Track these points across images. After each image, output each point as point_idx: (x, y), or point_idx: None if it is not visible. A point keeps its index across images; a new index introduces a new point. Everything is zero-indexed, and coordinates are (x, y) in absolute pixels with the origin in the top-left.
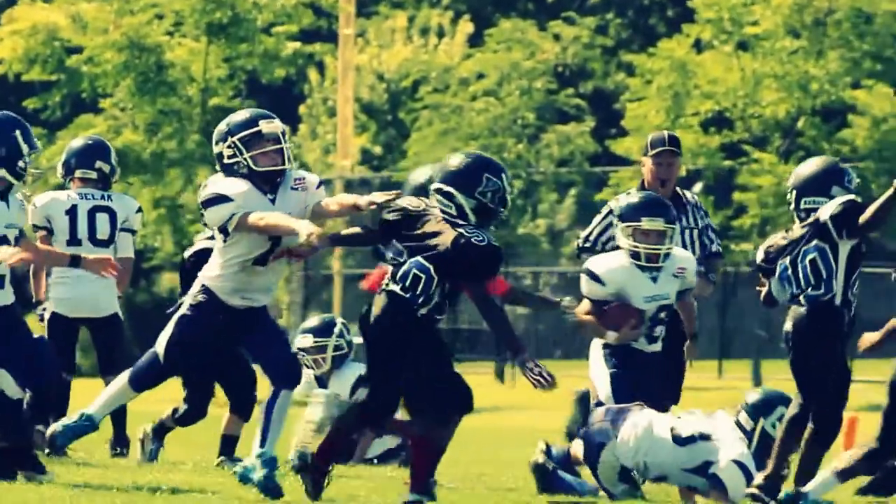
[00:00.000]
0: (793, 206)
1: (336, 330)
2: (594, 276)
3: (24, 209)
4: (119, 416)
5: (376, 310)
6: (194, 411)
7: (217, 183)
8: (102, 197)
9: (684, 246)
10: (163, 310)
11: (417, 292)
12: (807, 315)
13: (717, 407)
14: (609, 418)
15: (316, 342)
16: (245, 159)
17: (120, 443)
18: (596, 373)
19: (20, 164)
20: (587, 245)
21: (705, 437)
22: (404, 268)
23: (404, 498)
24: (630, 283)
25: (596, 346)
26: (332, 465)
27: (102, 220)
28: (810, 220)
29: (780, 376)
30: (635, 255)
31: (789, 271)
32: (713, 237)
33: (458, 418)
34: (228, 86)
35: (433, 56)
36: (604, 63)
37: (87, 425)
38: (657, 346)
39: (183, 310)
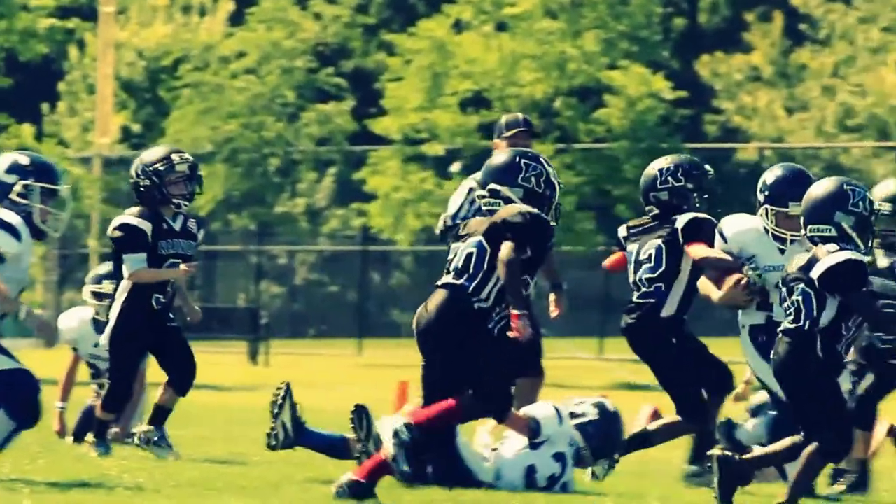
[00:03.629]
0: (802, 231)
1: None
2: (721, 234)
3: None
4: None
5: (434, 304)
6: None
7: None
8: None
9: None
10: None
11: (471, 271)
12: (786, 345)
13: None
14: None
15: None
16: None
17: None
18: (756, 364)
19: None
20: (451, 225)
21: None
22: (458, 254)
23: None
24: (758, 249)
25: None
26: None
27: None
28: (804, 262)
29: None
30: (776, 238)
31: (786, 302)
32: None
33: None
34: None
35: (194, 34)
36: (364, 43)
37: None
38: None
39: None
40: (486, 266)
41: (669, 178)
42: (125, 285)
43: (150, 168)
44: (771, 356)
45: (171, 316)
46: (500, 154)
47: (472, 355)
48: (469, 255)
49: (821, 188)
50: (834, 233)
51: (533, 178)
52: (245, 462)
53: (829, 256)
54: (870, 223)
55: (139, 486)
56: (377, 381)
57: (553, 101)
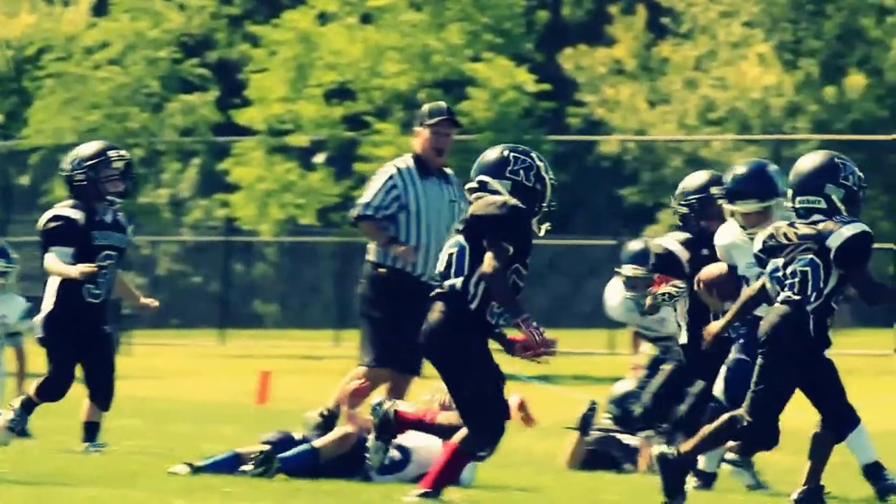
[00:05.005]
0: (789, 203)
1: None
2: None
3: None
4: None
5: (433, 315)
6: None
7: None
8: None
9: (452, 219)
10: None
11: (454, 273)
12: (781, 316)
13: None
14: None
15: (8, 266)
16: None
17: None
18: None
19: None
20: (368, 213)
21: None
22: (441, 257)
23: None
24: (735, 250)
25: None
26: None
27: None
28: (812, 231)
29: None
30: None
31: (780, 273)
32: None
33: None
34: None
35: (57, 24)
36: (229, 34)
37: None
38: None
39: None
40: (467, 264)
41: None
42: (55, 277)
43: (86, 163)
44: (761, 326)
45: (107, 328)
46: (491, 149)
47: (473, 363)
48: (450, 256)
49: (810, 161)
50: (823, 205)
51: (522, 172)
52: (104, 452)
53: (847, 227)
54: (858, 198)
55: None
56: (240, 371)
57: (417, 93)
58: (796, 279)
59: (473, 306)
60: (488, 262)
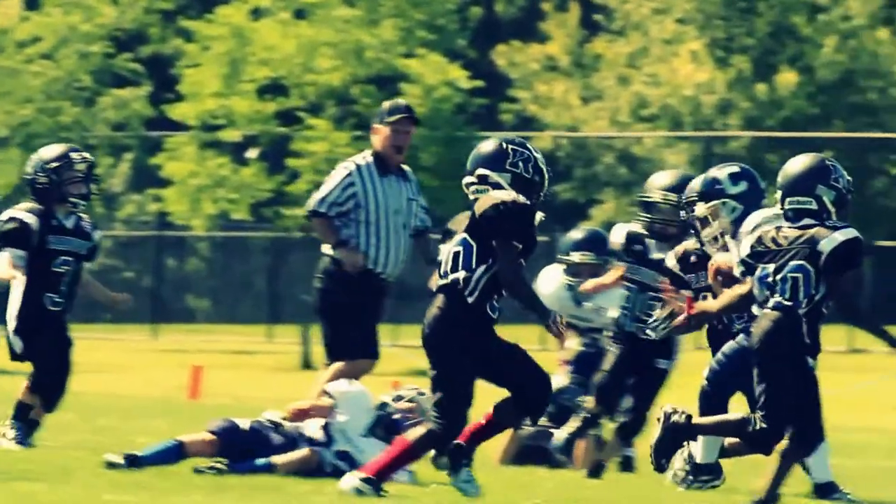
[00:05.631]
0: (778, 205)
1: None
2: None
3: None
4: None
5: (432, 310)
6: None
7: None
8: None
9: (410, 217)
10: None
11: (460, 269)
12: (773, 322)
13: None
14: None
15: None
16: None
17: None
18: None
19: None
20: (321, 210)
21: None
22: (443, 254)
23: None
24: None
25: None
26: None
27: None
28: (802, 235)
29: None
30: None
31: (770, 278)
32: (425, 213)
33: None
34: None
35: None
36: (162, 28)
37: None
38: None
39: None
40: (474, 262)
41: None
42: (17, 284)
43: (49, 166)
44: (751, 333)
45: (69, 336)
46: (486, 142)
47: (466, 359)
48: (456, 255)
49: (801, 162)
50: (814, 206)
51: (521, 164)
52: (36, 446)
53: (839, 232)
54: (847, 201)
55: None
56: (172, 365)
57: (350, 89)
58: (787, 285)
59: (472, 300)
60: (505, 266)
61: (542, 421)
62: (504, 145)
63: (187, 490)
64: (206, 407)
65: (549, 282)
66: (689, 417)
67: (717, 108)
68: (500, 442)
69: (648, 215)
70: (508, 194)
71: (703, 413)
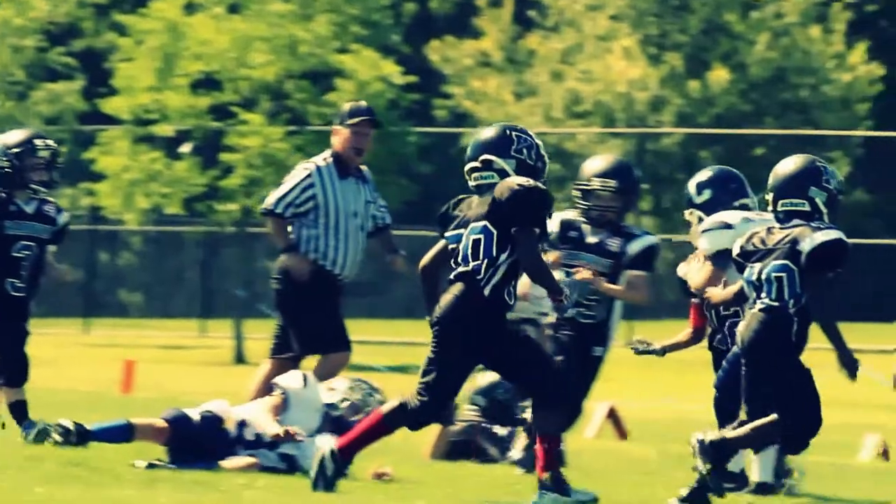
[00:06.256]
0: (770, 206)
1: None
2: (728, 225)
3: None
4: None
5: (448, 296)
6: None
7: None
8: None
9: (368, 219)
10: None
11: (480, 257)
12: (761, 322)
13: (201, 364)
14: None
15: None
16: None
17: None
18: None
19: None
20: (277, 210)
21: None
22: (463, 241)
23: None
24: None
25: None
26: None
27: None
28: (784, 236)
29: (259, 335)
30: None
31: (754, 278)
32: (384, 210)
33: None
34: None
35: None
36: (95, 22)
37: None
38: None
39: None
40: (494, 249)
41: None
42: None
43: (11, 151)
44: (738, 333)
45: (28, 328)
46: (488, 129)
47: (473, 346)
48: (476, 242)
49: (792, 164)
50: (807, 207)
51: (525, 150)
52: None
53: (821, 233)
54: (838, 203)
55: None
56: (104, 360)
57: (284, 84)
58: (773, 286)
59: (488, 290)
60: (526, 252)
61: (474, 416)
62: (508, 132)
63: (120, 484)
64: (139, 401)
65: None
66: (722, 436)
67: (650, 105)
68: (430, 437)
69: (586, 203)
70: (527, 180)
71: (721, 423)
